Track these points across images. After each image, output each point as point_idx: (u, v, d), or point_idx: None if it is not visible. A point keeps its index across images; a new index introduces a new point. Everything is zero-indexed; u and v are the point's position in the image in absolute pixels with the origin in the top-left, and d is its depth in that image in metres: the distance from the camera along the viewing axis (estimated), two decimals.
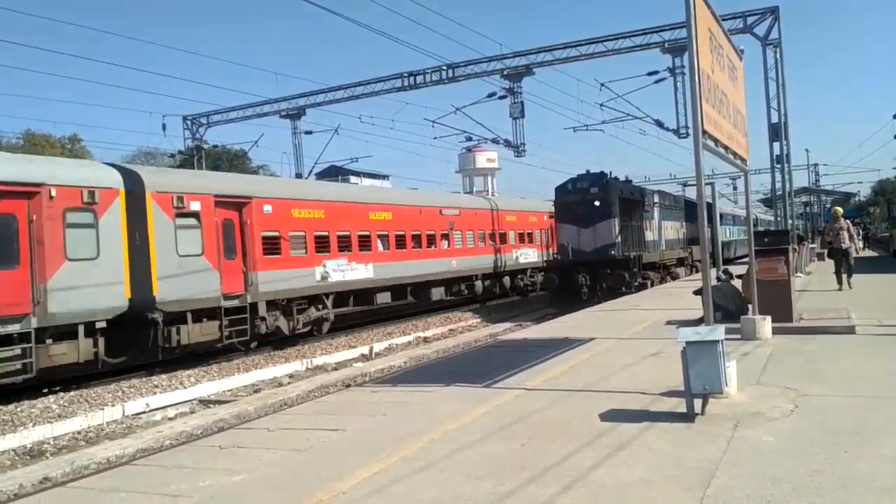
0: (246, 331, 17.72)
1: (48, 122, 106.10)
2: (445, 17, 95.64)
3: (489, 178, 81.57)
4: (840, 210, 20.08)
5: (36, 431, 11.28)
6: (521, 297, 31.47)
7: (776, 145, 28.38)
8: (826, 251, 19.87)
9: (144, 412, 12.81)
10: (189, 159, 37.54)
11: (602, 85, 30.00)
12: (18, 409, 12.42)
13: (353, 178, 27.76)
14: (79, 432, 11.59)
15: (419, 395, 8.66)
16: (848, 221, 19.23)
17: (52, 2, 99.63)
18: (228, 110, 37.79)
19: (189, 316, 16.24)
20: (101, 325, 14.59)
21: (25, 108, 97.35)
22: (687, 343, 6.41)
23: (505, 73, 31.05)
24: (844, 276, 17.71)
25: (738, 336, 10.37)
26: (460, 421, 6.98)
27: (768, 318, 10.71)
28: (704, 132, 7.79)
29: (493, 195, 42.81)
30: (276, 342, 19.26)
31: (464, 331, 22.48)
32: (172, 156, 38.93)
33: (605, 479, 5.00)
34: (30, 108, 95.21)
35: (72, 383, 14.64)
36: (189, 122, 38.30)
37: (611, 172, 26.16)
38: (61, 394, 13.53)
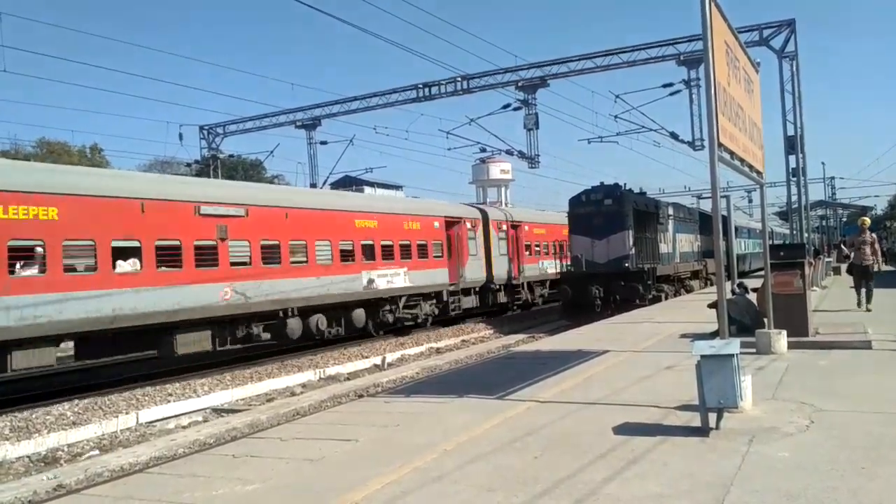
0: (519, 299, 31.01)
1: (66, 130, 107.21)
2: (461, 28, 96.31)
3: (503, 189, 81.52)
4: (868, 220, 17.70)
5: (50, 438, 11.36)
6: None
7: (792, 158, 28.27)
8: (846, 266, 17.96)
9: (158, 420, 12.87)
10: (205, 169, 37.78)
11: (617, 97, 29.99)
12: (34, 416, 12.49)
13: (367, 189, 27.97)
14: (92, 439, 11.67)
15: (432, 406, 8.65)
16: (874, 235, 16.94)
17: (68, 12, 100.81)
18: (244, 120, 38.07)
19: (502, 288, 29.45)
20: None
21: (43, 116, 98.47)
22: (702, 357, 6.37)
23: (520, 84, 31.12)
24: (863, 296, 15.94)
25: (754, 350, 10.29)
26: (473, 433, 6.96)
27: (784, 333, 10.63)
28: (720, 145, 7.76)
29: (506, 206, 43.26)
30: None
31: (476, 342, 22.46)
32: (189, 165, 39.20)
33: (619, 493, 4.97)
34: (47, 116, 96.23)
35: (87, 390, 14.75)
36: (205, 132, 38.61)
37: (625, 184, 26.14)
38: (76, 401, 13.61)
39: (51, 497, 7.77)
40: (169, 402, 13.90)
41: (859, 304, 16.07)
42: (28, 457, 10.68)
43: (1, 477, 9.80)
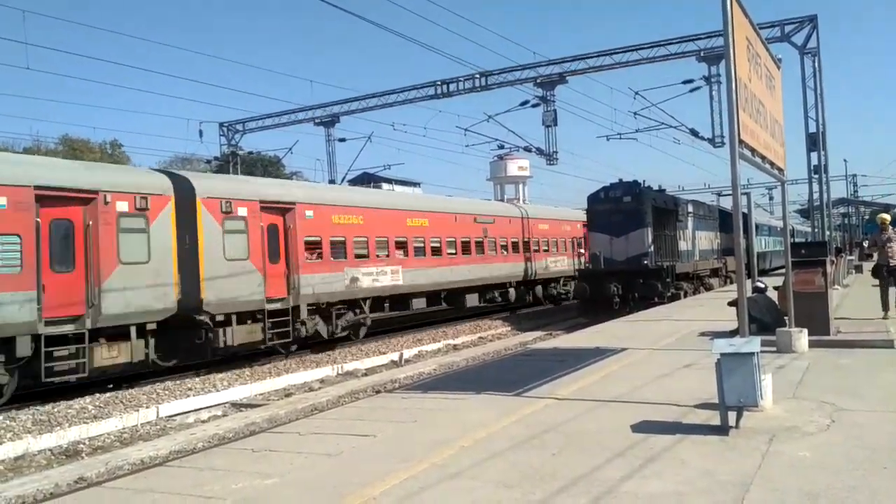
0: None
1: (88, 127, 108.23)
2: (479, 25, 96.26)
3: (521, 186, 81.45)
4: (887, 217, 15.98)
5: (72, 432, 11.50)
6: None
7: (814, 155, 27.97)
8: (871, 268, 16.45)
9: (178, 414, 12.99)
10: (224, 165, 38.00)
11: (636, 93, 29.80)
12: (55, 410, 12.65)
13: (385, 186, 27.97)
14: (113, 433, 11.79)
15: (449, 402, 8.66)
16: None
17: (90, 9, 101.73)
18: (264, 117, 38.19)
19: None
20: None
21: (65, 113, 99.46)
22: (721, 355, 6.33)
23: (538, 81, 30.99)
24: (892, 301, 14.39)
25: (774, 349, 10.20)
26: (490, 429, 6.97)
27: (805, 331, 10.53)
28: (741, 141, 7.70)
29: (524, 203, 43.56)
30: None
31: (493, 339, 22.45)
32: (208, 161, 39.45)
33: (637, 491, 4.96)
34: (69, 113, 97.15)
35: (108, 384, 14.92)
36: (225, 129, 38.79)
37: (644, 181, 25.94)
38: (97, 395, 13.76)
39: (72, 489, 7.86)
40: (189, 396, 14.02)
41: (885, 309, 14.37)
42: (50, 450, 10.82)
43: (23, 469, 9.94)
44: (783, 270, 11.60)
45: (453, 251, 26.13)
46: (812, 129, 27.63)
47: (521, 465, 5.73)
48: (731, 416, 6.38)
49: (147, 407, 13.07)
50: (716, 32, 25.98)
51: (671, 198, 28.88)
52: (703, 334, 13.05)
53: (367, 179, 31.36)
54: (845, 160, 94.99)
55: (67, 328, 13.66)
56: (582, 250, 31.76)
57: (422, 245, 24.31)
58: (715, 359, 6.41)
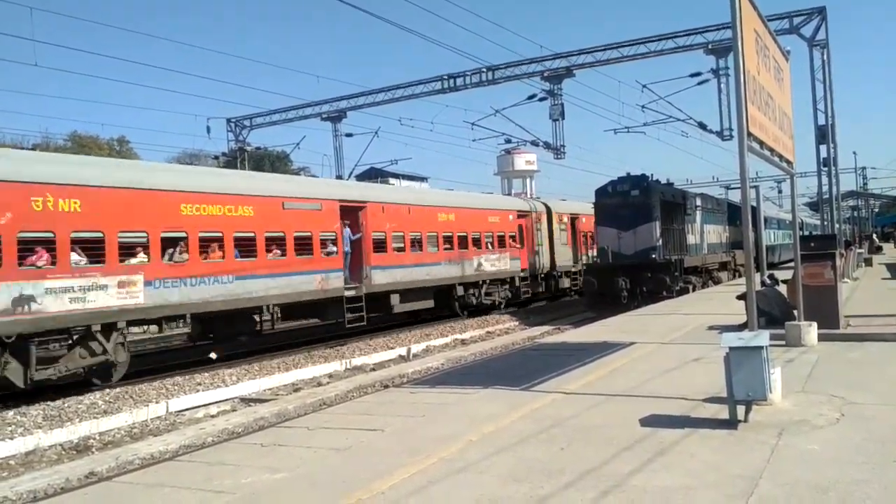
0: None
1: (96, 123, 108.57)
2: (486, 19, 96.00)
3: (528, 180, 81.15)
4: None
5: (82, 427, 11.55)
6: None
7: (823, 148, 27.81)
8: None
9: (187, 409, 13.04)
10: (232, 161, 38.07)
11: (644, 87, 29.66)
12: (66, 405, 12.72)
13: (392, 180, 28.03)
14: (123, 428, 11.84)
15: (457, 396, 8.67)
16: None
17: (97, 5, 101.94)
18: (271, 113, 38.23)
19: None
20: None
21: (73, 110, 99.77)
22: (730, 348, 6.31)
23: (545, 74, 30.88)
24: None
25: (783, 342, 10.17)
26: (498, 423, 6.97)
27: (814, 325, 10.49)
28: (749, 134, 7.66)
29: (532, 198, 43.72)
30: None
31: (501, 333, 22.41)
32: (216, 157, 39.52)
33: (646, 485, 4.95)
34: (78, 110, 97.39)
35: (121, 379, 14.98)
36: (233, 125, 38.84)
37: (652, 175, 25.88)
38: (107, 390, 13.84)
39: (83, 484, 7.90)
40: (198, 391, 14.07)
41: None
42: (60, 444, 10.87)
43: (34, 464, 10.00)
44: (792, 264, 11.55)
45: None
46: (821, 121, 27.48)
47: (529, 460, 5.73)
48: (740, 409, 6.37)
49: (157, 402, 13.12)
50: (724, 25, 25.84)
51: (679, 191, 28.79)
52: (711, 328, 13.02)
53: (374, 174, 31.42)
54: (855, 153, 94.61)
55: (526, 273, 29.11)
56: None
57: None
58: (724, 352, 6.39)
